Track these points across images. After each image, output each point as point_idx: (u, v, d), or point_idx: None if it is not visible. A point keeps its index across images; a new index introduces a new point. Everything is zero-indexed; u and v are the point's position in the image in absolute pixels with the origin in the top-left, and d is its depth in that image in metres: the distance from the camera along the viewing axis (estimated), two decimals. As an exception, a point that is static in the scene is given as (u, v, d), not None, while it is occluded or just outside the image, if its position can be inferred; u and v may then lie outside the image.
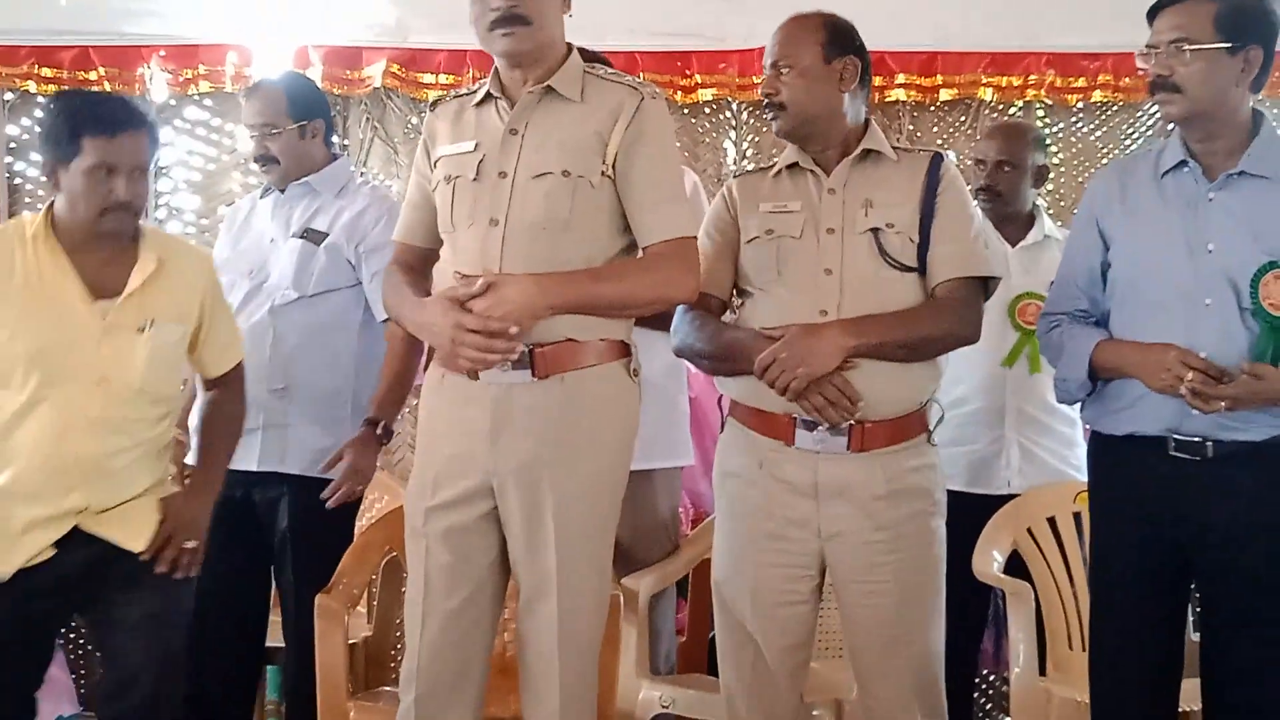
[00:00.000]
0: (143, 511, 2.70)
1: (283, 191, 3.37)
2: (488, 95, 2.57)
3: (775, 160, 2.78)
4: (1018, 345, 3.47)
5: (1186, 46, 2.49)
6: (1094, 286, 2.68)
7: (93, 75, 4.27)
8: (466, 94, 2.65)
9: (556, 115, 2.51)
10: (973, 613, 3.48)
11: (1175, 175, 2.60)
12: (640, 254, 2.54)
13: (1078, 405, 2.76)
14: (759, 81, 4.10)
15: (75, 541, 2.62)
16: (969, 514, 3.28)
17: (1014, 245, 3.54)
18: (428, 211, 2.63)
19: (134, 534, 2.67)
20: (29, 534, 2.59)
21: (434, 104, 2.70)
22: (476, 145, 2.53)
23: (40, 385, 2.57)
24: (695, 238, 2.58)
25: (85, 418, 2.60)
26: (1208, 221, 2.54)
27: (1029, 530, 3.34)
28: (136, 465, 2.69)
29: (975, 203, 3.49)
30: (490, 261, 2.45)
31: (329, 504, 3.15)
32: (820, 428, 2.54)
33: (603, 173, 2.49)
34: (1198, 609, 2.74)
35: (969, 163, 3.90)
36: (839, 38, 2.65)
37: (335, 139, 3.51)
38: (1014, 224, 3.57)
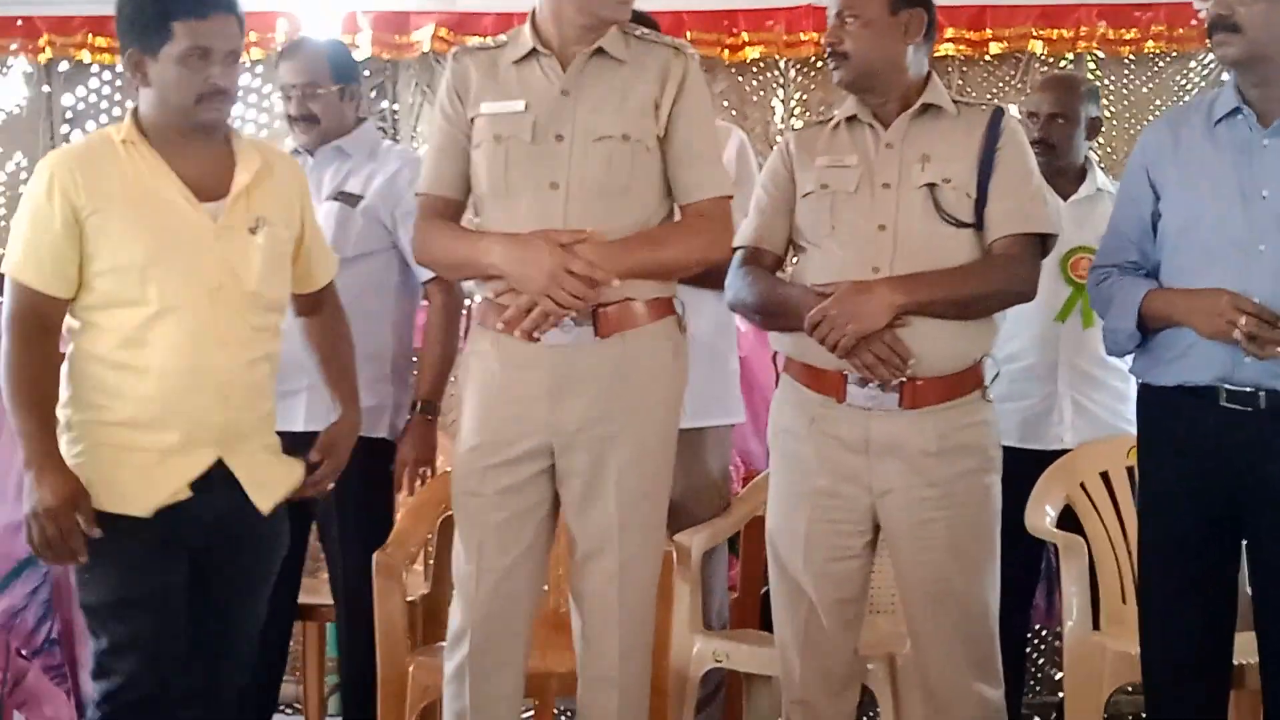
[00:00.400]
0: (272, 469, 2.56)
1: (311, 154, 3.38)
2: (532, 51, 2.56)
3: (834, 113, 2.77)
4: (1070, 300, 3.45)
5: None
6: (1145, 238, 2.65)
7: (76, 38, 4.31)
8: (494, 46, 2.63)
9: (608, 77, 2.52)
10: (1025, 568, 3.49)
11: (1229, 122, 2.58)
12: (676, 214, 2.58)
13: (1129, 358, 2.75)
14: (807, 39, 4.17)
15: (212, 483, 2.45)
16: (1022, 469, 3.28)
17: (1066, 199, 3.51)
18: (461, 161, 2.60)
19: (265, 492, 2.51)
20: (165, 465, 2.42)
21: (456, 53, 2.66)
22: (527, 106, 2.53)
23: (159, 297, 2.38)
24: (730, 197, 2.60)
25: (210, 329, 2.42)
26: (1262, 168, 2.52)
27: (1082, 485, 3.33)
28: (266, 383, 2.54)
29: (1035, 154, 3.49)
30: (553, 225, 2.46)
31: (402, 494, 3.23)
32: (871, 384, 2.54)
33: (657, 137, 2.51)
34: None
35: (1018, 117, 3.88)
36: None
37: (385, 104, 3.53)
38: (1066, 177, 3.54)
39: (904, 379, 2.53)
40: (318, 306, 2.71)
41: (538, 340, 2.48)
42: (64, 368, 2.45)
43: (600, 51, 2.53)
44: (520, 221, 2.50)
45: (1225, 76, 2.65)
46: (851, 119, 2.70)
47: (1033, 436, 3.47)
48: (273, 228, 2.49)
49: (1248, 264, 2.48)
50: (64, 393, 2.43)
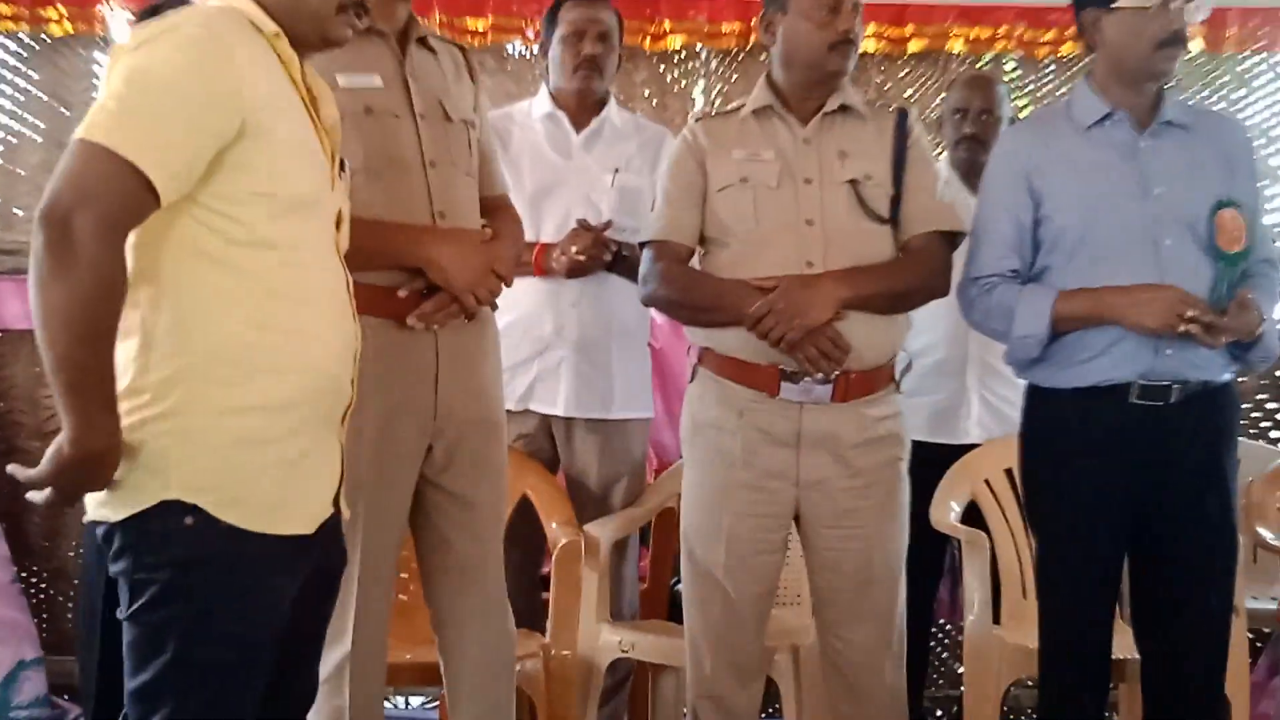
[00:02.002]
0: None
1: None
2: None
3: (738, 103, 2.77)
4: None
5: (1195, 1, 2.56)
6: (1024, 246, 2.68)
7: (51, 14, 4.16)
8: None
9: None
10: (930, 561, 3.53)
11: (1102, 127, 2.65)
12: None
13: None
14: (729, 29, 4.17)
15: None
16: (930, 464, 3.32)
17: (976, 195, 3.55)
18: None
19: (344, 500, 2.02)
20: (315, 463, 1.89)
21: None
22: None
23: (309, 243, 1.87)
24: None
25: (343, 289, 1.95)
26: (1149, 167, 2.60)
27: (986, 481, 3.37)
28: None
29: (958, 152, 3.53)
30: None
31: None
32: (806, 379, 2.55)
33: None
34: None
35: (933, 117, 3.93)
36: None
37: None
38: (977, 174, 3.58)
39: (839, 372, 2.55)
40: None
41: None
42: (147, 325, 1.77)
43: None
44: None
45: (1084, 83, 2.70)
46: (760, 111, 2.70)
47: (941, 431, 3.51)
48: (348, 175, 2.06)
49: (1156, 259, 2.55)
50: (158, 364, 1.76)
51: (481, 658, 2.56)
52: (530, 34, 4.11)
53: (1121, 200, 2.59)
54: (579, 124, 3.34)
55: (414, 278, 2.40)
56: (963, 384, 3.52)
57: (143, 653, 1.77)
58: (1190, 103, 2.73)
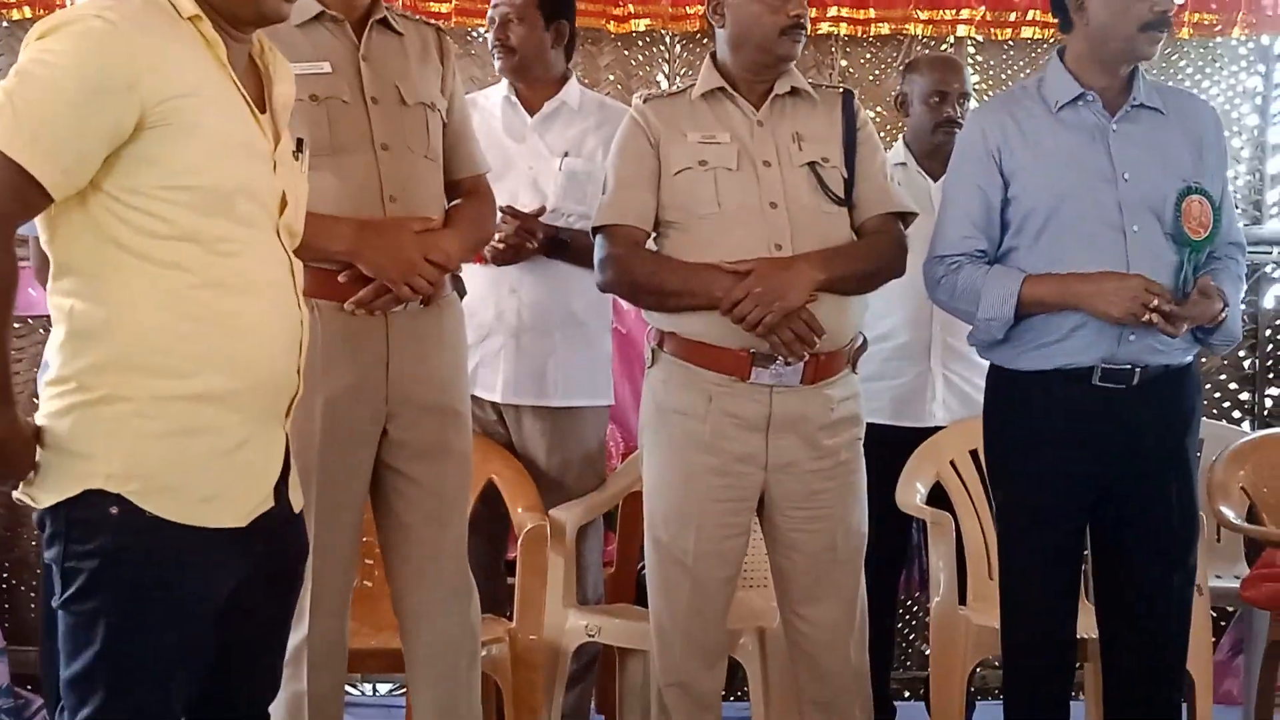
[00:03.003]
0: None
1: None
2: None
3: (685, 85, 2.77)
4: None
5: None
6: (992, 226, 2.68)
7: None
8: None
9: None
10: (893, 544, 3.54)
11: (1073, 108, 2.65)
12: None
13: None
14: (692, 12, 4.16)
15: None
16: (894, 447, 3.34)
17: (935, 180, 3.56)
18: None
19: (298, 486, 2.00)
20: (253, 453, 1.85)
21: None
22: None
23: (241, 234, 1.81)
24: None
25: (287, 273, 1.88)
26: (1119, 152, 2.60)
27: (951, 462, 3.38)
28: None
29: (936, 136, 3.52)
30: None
31: None
32: (777, 362, 2.55)
33: None
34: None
35: (889, 97, 3.92)
36: None
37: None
38: (936, 159, 3.59)
39: (808, 354, 2.55)
40: None
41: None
42: (76, 315, 1.76)
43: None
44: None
45: (1057, 62, 2.70)
46: (710, 93, 2.69)
47: (905, 414, 3.51)
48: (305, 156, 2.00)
49: (1124, 244, 2.56)
50: (84, 352, 1.75)
51: (441, 644, 2.54)
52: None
53: (1090, 184, 2.59)
54: (534, 106, 3.32)
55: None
56: (926, 367, 3.52)
57: (74, 642, 1.76)
58: (1163, 84, 2.73)
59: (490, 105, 3.33)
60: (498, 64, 3.31)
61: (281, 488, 1.91)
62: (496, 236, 3.08)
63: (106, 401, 1.74)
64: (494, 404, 3.28)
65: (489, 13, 3.33)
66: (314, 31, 2.43)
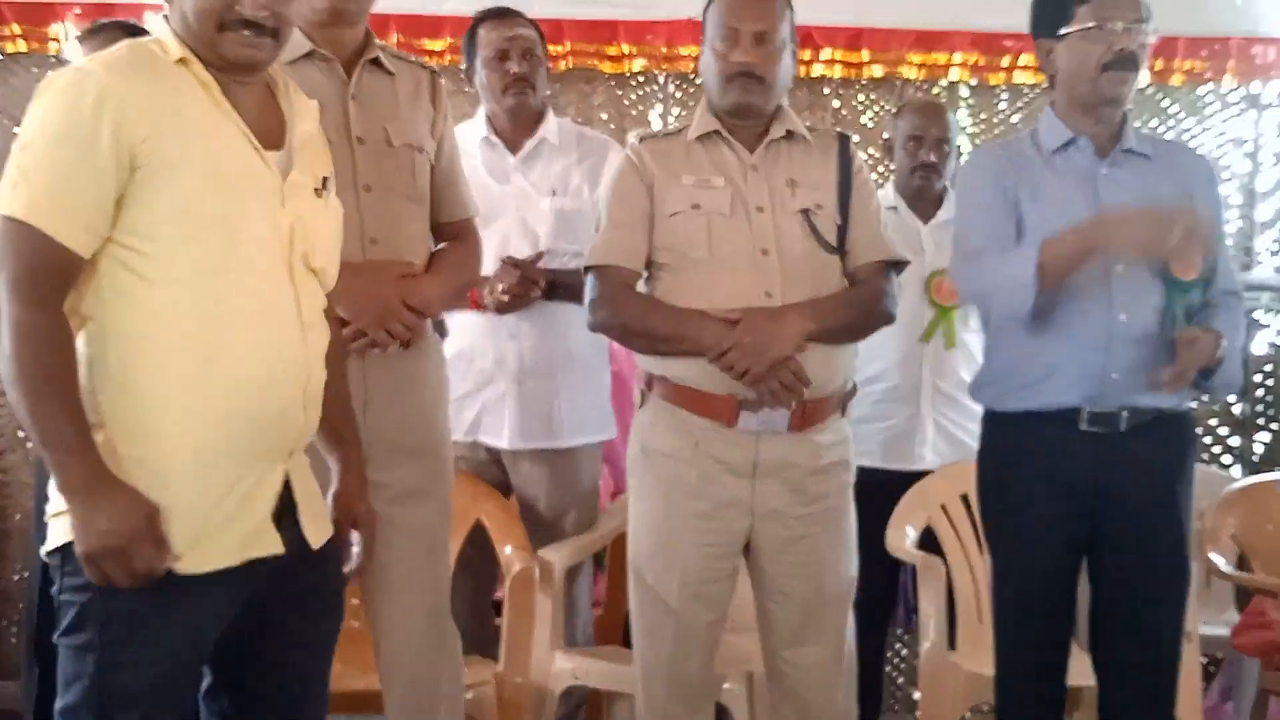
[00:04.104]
0: (318, 498, 2.04)
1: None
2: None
3: (680, 126, 2.76)
4: (934, 321, 3.51)
5: (1146, 26, 2.58)
6: (1011, 236, 2.63)
7: (5, 31, 4.12)
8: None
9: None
10: (883, 588, 3.53)
11: (1064, 154, 2.67)
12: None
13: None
14: (686, 53, 4.18)
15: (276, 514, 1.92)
16: (884, 490, 3.34)
17: (926, 222, 3.57)
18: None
19: (318, 524, 1.99)
20: (243, 492, 1.86)
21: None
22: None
23: (232, 270, 1.82)
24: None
25: (292, 309, 1.89)
26: (1109, 195, 2.61)
27: (943, 506, 3.38)
28: (321, 389, 1.99)
29: (913, 180, 3.54)
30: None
31: None
32: (763, 409, 2.54)
33: None
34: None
35: (881, 139, 3.94)
36: (791, 11, 2.66)
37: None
38: (926, 200, 3.60)
39: (797, 402, 2.54)
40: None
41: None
42: (87, 357, 1.81)
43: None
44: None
45: (1049, 110, 2.72)
46: (706, 136, 2.68)
47: (895, 457, 3.51)
48: (334, 195, 2.03)
49: (1107, 283, 2.56)
50: (89, 398, 1.80)
51: (420, 690, 2.51)
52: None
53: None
54: (515, 145, 3.30)
55: None
56: (917, 410, 3.52)
57: (66, 675, 1.80)
58: (1156, 134, 2.75)
59: (468, 145, 3.25)
60: (510, 103, 3.23)
61: (289, 525, 1.91)
62: (500, 288, 3.09)
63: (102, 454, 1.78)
64: (490, 449, 3.27)
65: (489, 48, 3.23)
66: (304, 69, 2.40)
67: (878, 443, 3.46)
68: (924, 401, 3.52)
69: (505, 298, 3.10)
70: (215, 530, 1.83)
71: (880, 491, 3.30)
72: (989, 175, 2.70)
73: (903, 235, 3.38)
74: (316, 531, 1.97)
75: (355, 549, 2.15)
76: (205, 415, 1.80)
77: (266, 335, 1.85)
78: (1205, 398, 2.69)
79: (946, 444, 3.50)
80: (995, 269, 2.60)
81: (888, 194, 3.60)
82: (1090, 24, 2.56)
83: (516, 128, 3.29)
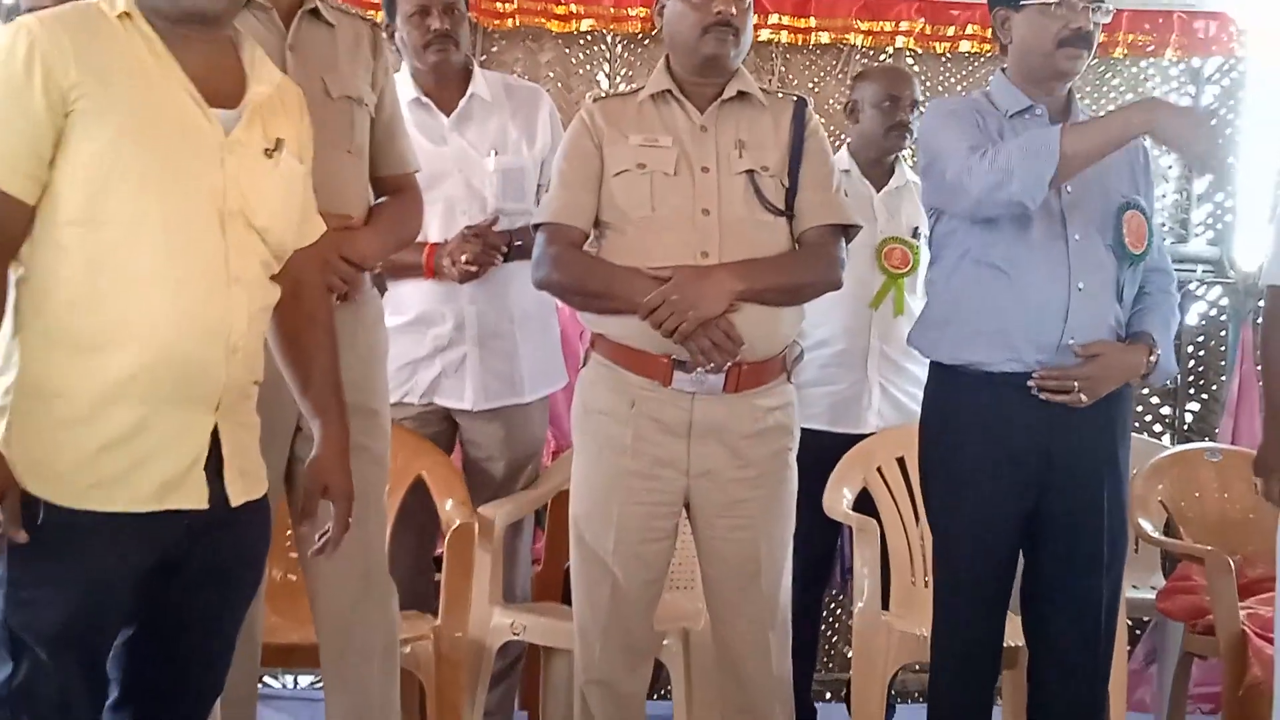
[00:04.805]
0: (252, 456, 2.02)
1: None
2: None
3: (637, 86, 2.76)
4: (884, 288, 3.54)
5: (1104, 5, 2.61)
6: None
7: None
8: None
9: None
10: (822, 549, 3.58)
11: (1022, 119, 2.69)
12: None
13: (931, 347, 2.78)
14: (634, 14, 4.17)
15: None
16: (829, 453, 3.38)
17: (879, 190, 3.60)
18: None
19: (243, 482, 1.97)
20: (158, 440, 1.86)
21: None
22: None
23: (162, 216, 1.83)
24: None
25: (220, 262, 1.89)
26: None
27: (879, 469, 3.42)
28: (261, 344, 2.01)
29: (889, 140, 3.55)
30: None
31: None
32: (698, 369, 2.55)
33: None
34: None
35: (838, 107, 3.96)
36: None
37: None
38: (880, 169, 3.62)
39: (731, 363, 2.55)
40: (291, 278, 2.08)
41: None
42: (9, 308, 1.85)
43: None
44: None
45: (1001, 76, 2.75)
46: (658, 95, 2.68)
47: (842, 420, 3.54)
48: (289, 155, 2.02)
49: (1066, 251, 2.60)
50: (6, 341, 1.85)
51: (355, 643, 2.52)
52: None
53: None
54: (446, 105, 3.24)
55: None
56: (864, 374, 3.55)
57: None
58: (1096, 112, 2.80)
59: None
60: (433, 59, 3.16)
61: (217, 480, 1.91)
62: (464, 258, 3.07)
63: (13, 393, 1.83)
64: (445, 411, 3.27)
65: (410, 3, 3.14)
66: (242, 19, 2.33)
67: (824, 406, 3.49)
68: (871, 367, 3.54)
69: (473, 268, 3.09)
70: (123, 472, 1.84)
71: (827, 455, 3.35)
72: (962, 108, 2.71)
73: (855, 201, 3.40)
74: (239, 489, 1.95)
75: (328, 527, 2.15)
76: (113, 358, 1.82)
77: (181, 283, 1.85)
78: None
79: (891, 409, 3.53)
80: (1011, 148, 2.55)
81: (841, 158, 3.62)
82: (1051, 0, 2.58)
83: (443, 86, 3.24)
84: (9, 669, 1.81)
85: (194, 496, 1.89)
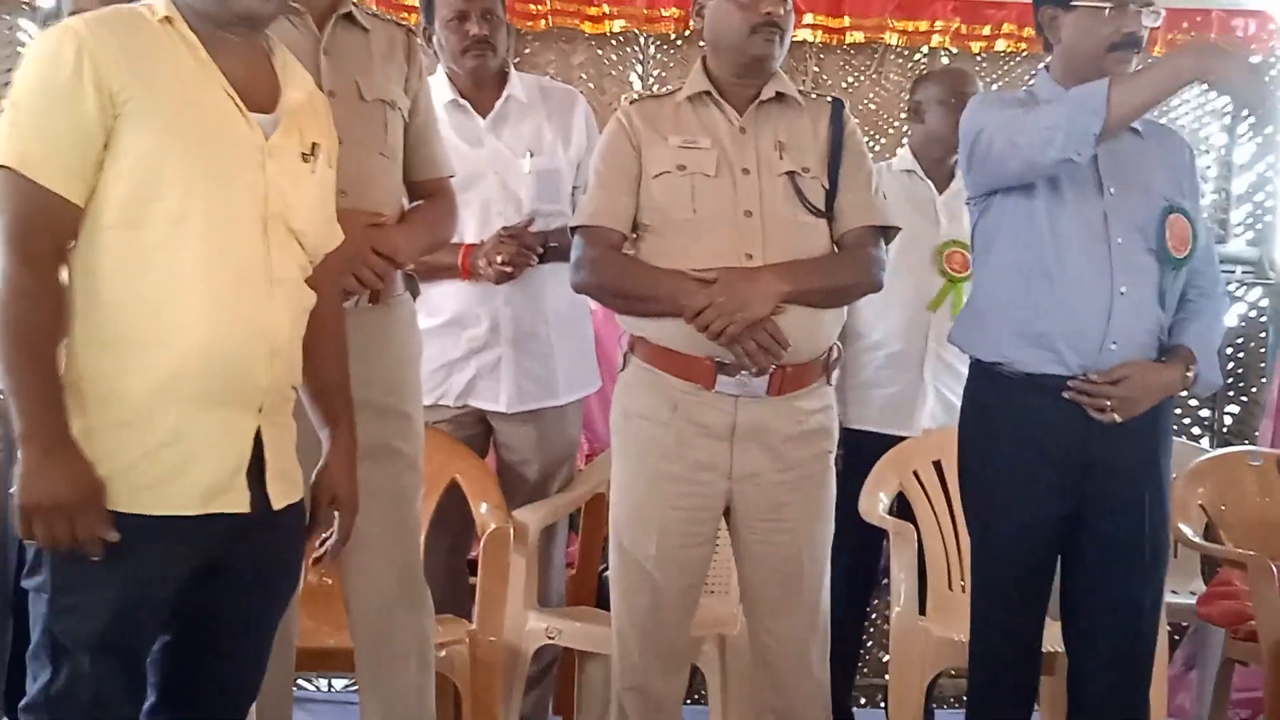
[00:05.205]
0: (291, 459, 2.02)
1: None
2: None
3: (673, 87, 2.75)
4: (943, 291, 3.52)
5: (1155, 9, 2.59)
6: None
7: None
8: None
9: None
10: (868, 554, 3.55)
11: None
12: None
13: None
14: (667, 14, 4.16)
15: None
16: (880, 454, 3.35)
17: (940, 193, 3.57)
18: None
19: (283, 485, 1.97)
20: (206, 442, 1.86)
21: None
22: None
23: (196, 221, 1.83)
24: None
25: (263, 265, 1.90)
26: (1104, 166, 2.61)
27: (915, 473, 3.39)
28: (299, 359, 2.00)
29: (955, 136, 3.52)
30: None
31: None
32: (742, 372, 2.54)
33: None
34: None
35: (873, 107, 3.93)
36: None
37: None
38: (942, 170, 3.60)
39: (775, 366, 2.54)
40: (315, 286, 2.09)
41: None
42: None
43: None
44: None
45: (1045, 75, 2.72)
46: (698, 96, 2.67)
47: (893, 422, 3.52)
48: (324, 163, 2.04)
49: (1109, 255, 2.56)
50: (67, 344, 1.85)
51: (390, 647, 2.52)
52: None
53: (1081, 193, 2.59)
54: (483, 107, 3.25)
55: None
56: (919, 376, 3.53)
57: (32, 617, 1.84)
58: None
59: (435, 109, 3.22)
60: (470, 64, 3.17)
61: (256, 484, 1.91)
62: (500, 259, 3.07)
63: (70, 394, 1.82)
64: (480, 413, 3.27)
65: (448, 8, 3.15)
66: (276, 24, 2.37)
67: (876, 408, 3.48)
68: (926, 369, 3.53)
69: (508, 269, 3.09)
70: (171, 474, 1.84)
71: (877, 457, 3.33)
72: (1007, 94, 2.67)
73: (916, 200, 3.39)
74: (280, 492, 1.95)
75: (333, 534, 2.15)
76: (160, 359, 1.82)
77: (224, 284, 1.86)
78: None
79: (944, 412, 3.49)
80: (1058, 104, 2.52)
81: (904, 158, 3.61)
82: (1105, 3, 2.55)
83: (480, 89, 3.25)
84: (48, 675, 1.81)
85: (239, 499, 1.89)
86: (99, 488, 1.78)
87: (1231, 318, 4.40)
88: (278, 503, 1.95)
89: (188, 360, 1.82)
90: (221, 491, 1.87)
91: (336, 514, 2.13)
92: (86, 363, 1.82)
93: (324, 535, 2.14)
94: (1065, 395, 2.56)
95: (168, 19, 1.88)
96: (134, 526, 1.80)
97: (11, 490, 1.82)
